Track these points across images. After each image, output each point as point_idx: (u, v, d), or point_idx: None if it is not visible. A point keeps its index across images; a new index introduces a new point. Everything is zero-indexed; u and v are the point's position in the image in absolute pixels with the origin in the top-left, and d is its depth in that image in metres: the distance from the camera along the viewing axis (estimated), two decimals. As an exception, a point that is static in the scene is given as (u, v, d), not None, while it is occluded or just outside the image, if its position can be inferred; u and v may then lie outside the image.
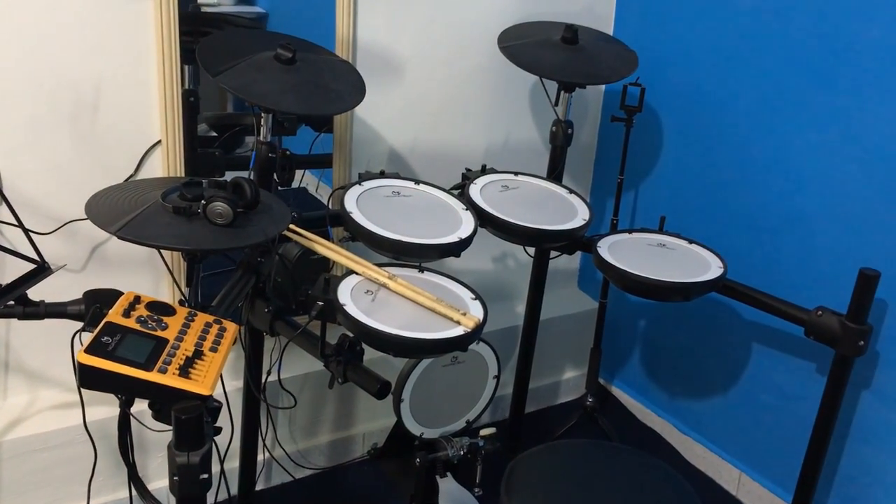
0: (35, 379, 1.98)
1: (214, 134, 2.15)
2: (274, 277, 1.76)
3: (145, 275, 2.02)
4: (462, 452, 2.08)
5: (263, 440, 2.16)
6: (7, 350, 1.93)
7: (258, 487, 2.19)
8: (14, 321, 1.89)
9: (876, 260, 1.92)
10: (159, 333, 1.28)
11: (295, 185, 2.18)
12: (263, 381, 1.96)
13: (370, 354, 1.57)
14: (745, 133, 2.22)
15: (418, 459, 2.04)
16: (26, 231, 1.51)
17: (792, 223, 2.12)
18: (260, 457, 2.11)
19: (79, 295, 1.45)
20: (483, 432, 2.11)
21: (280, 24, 2.14)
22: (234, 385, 2.09)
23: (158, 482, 2.06)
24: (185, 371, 1.21)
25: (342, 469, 2.38)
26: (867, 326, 1.74)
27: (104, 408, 1.87)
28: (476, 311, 1.58)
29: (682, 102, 2.41)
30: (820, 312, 1.79)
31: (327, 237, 1.73)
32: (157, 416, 1.24)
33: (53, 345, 1.95)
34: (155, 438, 2.01)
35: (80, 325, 1.43)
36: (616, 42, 2.31)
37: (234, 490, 2.09)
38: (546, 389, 2.78)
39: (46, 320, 1.47)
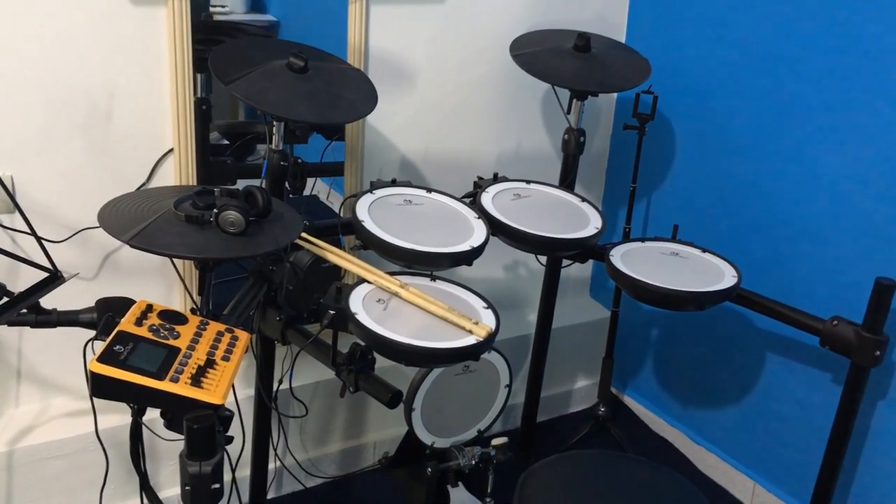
0: (47, 387, 1.99)
1: (226, 142, 2.16)
2: (286, 286, 1.76)
3: (157, 283, 2.02)
4: (473, 462, 2.07)
5: (275, 449, 2.15)
6: (19, 358, 1.93)
7: (269, 496, 2.18)
8: (26, 329, 1.89)
9: (892, 269, 1.90)
10: (171, 342, 1.28)
11: (306, 193, 2.18)
12: (275, 389, 1.96)
13: (381, 363, 1.57)
14: (758, 141, 2.21)
15: (429, 469, 2.03)
16: (39, 239, 1.51)
17: (807, 232, 2.11)
18: (271, 465, 2.11)
19: (91, 303, 1.45)
20: (494, 442, 2.10)
21: (291, 33, 2.14)
22: (246, 393, 2.08)
23: (170, 490, 2.06)
24: (196, 380, 1.21)
25: (353, 478, 2.38)
26: (883, 336, 1.72)
27: (116, 416, 1.87)
28: (488, 320, 1.57)
29: (694, 110, 2.40)
30: (835, 322, 1.77)
31: (339, 245, 1.73)
32: (169, 425, 1.24)
33: (65, 353, 1.95)
34: (166, 447, 2.01)
35: (91, 333, 1.43)
36: (628, 50, 2.31)
37: (246, 499, 2.09)
38: (558, 399, 2.77)
39: (58, 329, 1.47)
